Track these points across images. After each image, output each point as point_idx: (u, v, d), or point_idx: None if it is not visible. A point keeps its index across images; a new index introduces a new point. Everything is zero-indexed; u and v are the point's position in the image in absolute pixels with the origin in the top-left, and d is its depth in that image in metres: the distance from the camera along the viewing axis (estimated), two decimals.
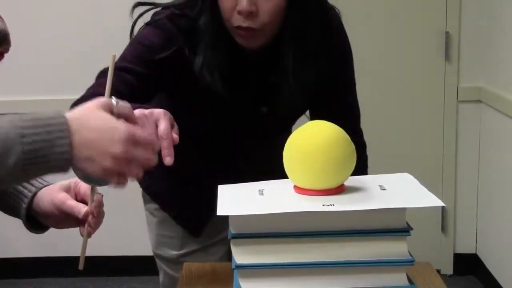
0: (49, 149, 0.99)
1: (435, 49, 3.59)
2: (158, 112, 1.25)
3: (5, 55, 1.58)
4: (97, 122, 1.04)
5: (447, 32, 3.57)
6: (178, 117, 1.65)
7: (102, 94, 1.42)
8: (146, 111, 1.24)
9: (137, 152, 1.05)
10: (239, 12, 1.51)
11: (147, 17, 1.64)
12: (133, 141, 1.04)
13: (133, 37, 1.62)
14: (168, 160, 1.22)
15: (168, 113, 1.27)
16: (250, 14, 1.50)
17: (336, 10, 1.70)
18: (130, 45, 1.60)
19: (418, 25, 3.58)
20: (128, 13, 1.63)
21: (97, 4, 3.59)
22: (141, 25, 1.64)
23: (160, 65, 1.56)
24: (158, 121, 1.24)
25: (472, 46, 3.58)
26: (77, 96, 1.47)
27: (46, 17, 3.61)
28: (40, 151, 0.99)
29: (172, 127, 1.26)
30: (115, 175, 1.05)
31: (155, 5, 1.64)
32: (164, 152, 1.22)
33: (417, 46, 3.60)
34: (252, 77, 1.63)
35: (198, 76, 1.56)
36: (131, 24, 1.64)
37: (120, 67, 1.50)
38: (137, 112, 1.21)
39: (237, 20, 1.52)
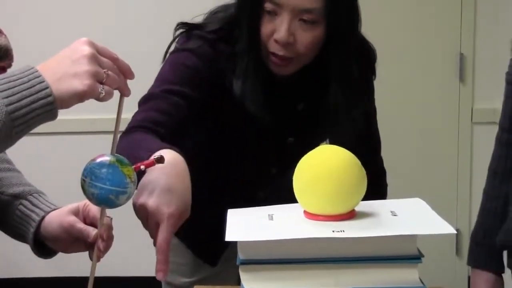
0: (30, 92, 0.98)
1: (449, 70, 3.58)
2: (161, 213, 1.09)
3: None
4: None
5: (461, 54, 3.56)
6: (201, 147, 1.63)
7: (155, 119, 1.41)
8: (150, 206, 1.09)
9: (103, 59, 1.02)
10: (276, 41, 1.50)
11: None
12: (95, 44, 1.02)
13: (168, 60, 1.58)
14: (160, 276, 1.10)
15: (173, 216, 1.10)
16: (287, 44, 1.49)
17: (370, 44, 1.70)
18: (171, 67, 1.56)
19: (432, 46, 3.57)
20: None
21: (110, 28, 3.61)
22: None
23: (204, 87, 1.54)
24: (160, 223, 1.09)
25: (486, 67, 3.56)
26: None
27: (56, 38, 3.63)
28: (23, 99, 0.97)
29: (175, 227, 1.11)
30: (94, 79, 1.00)
31: (196, 27, 1.62)
32: (158, 267, 1.10)
33: (432, 67, 3.59)
34: (281, 105, 1.61)
35: (239, 101, 1.53)
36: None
37: (167, 90, 1.48)
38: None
39: (273, 47, 1.51)
